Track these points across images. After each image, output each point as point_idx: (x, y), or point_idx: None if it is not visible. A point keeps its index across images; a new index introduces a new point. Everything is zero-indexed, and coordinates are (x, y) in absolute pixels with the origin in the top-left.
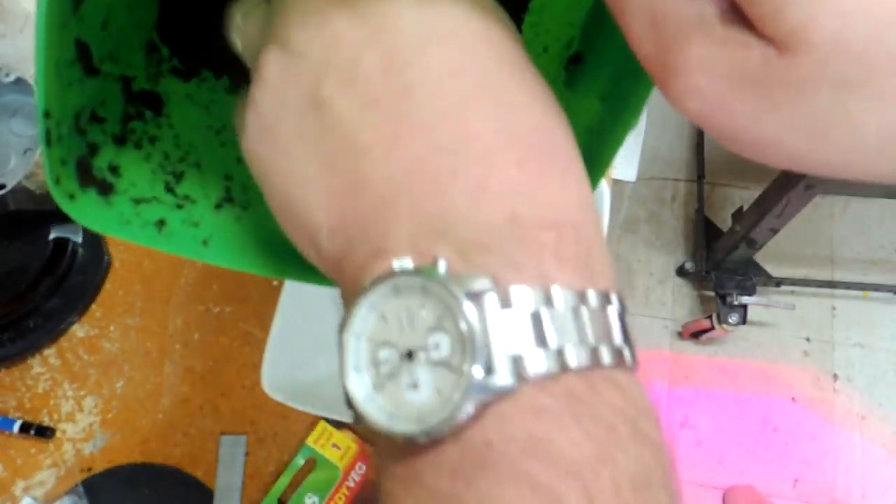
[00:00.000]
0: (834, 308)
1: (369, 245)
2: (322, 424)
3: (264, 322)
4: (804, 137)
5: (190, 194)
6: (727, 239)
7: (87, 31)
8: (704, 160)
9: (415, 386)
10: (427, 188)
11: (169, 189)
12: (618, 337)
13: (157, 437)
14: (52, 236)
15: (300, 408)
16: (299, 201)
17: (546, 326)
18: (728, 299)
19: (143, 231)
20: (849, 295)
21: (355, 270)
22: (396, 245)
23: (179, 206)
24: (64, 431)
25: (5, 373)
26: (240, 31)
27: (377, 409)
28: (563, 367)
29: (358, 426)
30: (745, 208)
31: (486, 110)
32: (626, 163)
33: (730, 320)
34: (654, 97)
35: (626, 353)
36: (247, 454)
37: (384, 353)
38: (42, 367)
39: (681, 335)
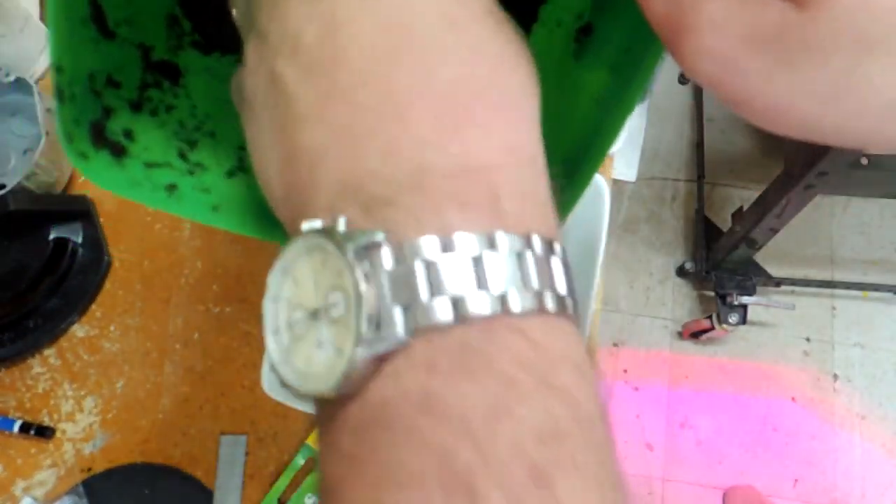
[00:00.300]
0: (834, 308)
1: (298, 210)
2: None
3: None
4: (817, 101)
5: (202, 162)
6: (727, 239)
7: None
8: (704, 160)
9: (320, 345)
10: (347, 151)
11: (182, 156)
12: (533, 280)
13: (157, 437)
14: (52, 236)
15: (300, 408)
16: (263, 171)
17: (443, 274)
18: (728, 299)
19: (154, 194)
20: (849, 295)
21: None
22: (315, 208)
23: (191, 173)
24: (64, 431)
25: (5, 373)
26: (239, 15)
27: (291, 371)
28: (461, 317)
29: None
30: (745, 208)
31: (408, 66)
32: (626, 163)
33: (730, 320)
34: (655, 98)
35: (547, 297)
36: (247, 454)
37: (296, 315)
38: (42, 367)
39: (681, 335)
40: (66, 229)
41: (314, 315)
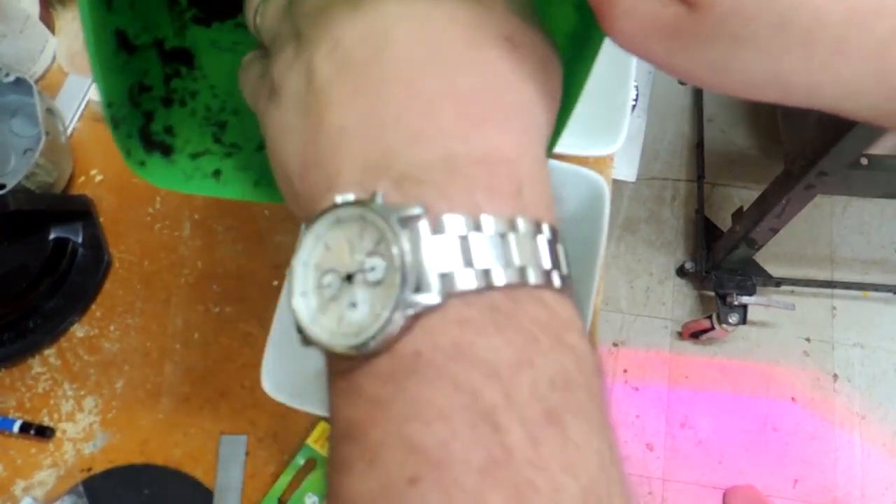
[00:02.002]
0: (834, 308)
1: (323, 184)
2: (322, 424)
3: (264, 322)
4: (709, 73)
5: (236, 141)
6: (727, 239)
7: (120, 19)
8: (704, 160)
9: (353, 305)
10: (373, 133)
11: (217, 139)
12: (546, 261)
13: (157, 437)
14: (52, 236)
15: (300, 408)
16: (281, 150)
17: (473, 248)
18: (728, 299)
19: (205, 183)
20: (849, 295)
21: (308, 204)
22: (343, 182)
23: (229, 155)
24: (64, 431)
25: (5, 373)
26: (260, 13)
27: (320, 329)
28: (489, 285)
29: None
30: (745, 208)
31: (434, 73)
32: (626, 163)
33: (730, 320)
34: (655, 98)
35: (555, 275)
36: (247, 454)
37: (328, 279)
38: (42, 367)
39: (681, 335)
40: (66, 229)
41: (348, 278)
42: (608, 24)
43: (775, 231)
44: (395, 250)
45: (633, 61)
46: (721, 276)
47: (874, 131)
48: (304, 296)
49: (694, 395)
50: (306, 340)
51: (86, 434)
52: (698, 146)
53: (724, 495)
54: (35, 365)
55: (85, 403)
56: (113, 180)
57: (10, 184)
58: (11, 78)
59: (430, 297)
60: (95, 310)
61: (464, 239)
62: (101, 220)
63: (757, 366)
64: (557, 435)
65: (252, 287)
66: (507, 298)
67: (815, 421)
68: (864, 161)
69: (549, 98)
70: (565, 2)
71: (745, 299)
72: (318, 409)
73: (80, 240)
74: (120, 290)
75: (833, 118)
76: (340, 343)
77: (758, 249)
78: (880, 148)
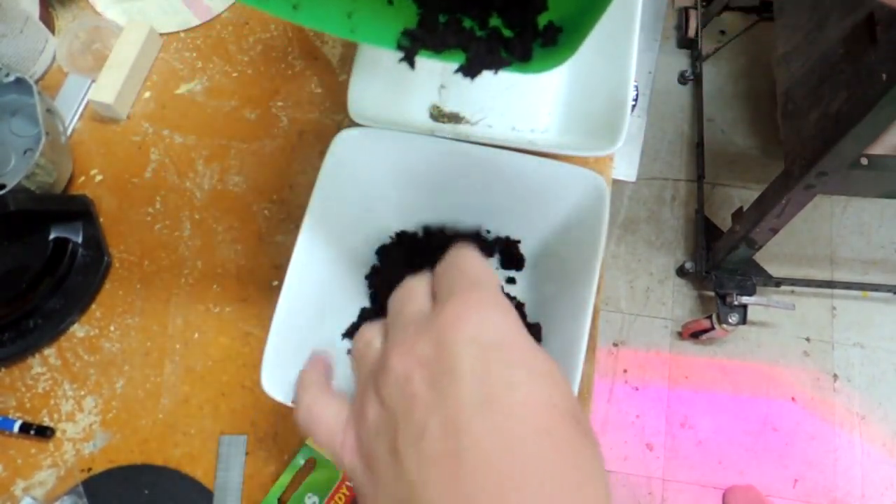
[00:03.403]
0: (834, 308)
1: None
2: None
3: (264, 322)
4: None
5: None
6: (727, 239)
7: None
8: (704, 160)
9: None
10: None
11: None
12: None
13: (157, 437)
14: (52, 236)
15: None
16: None
17: None
18: (728, 299)
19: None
20: (849, 295)
21: None
22: None
23: None
24: (64, 431)
25: (5, 373)
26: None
27: None
28: None
29: None
30: (745, 208)
31: (523, 493)
32: (626, 163)
33: (730, 320)
34: (655, 98)
35: None
36: (247, 454)
37: None
38: (42, 367)
39: (681, 335)
40: (66, 229)
41: None
42: None
43: (775, 231)
44: None
45: (633, 61)
46: (721, 276)
47: (874, 131)
48: None
49: (694, 395)
50: None
51: (86, 434)
52: (698, 146)
53: (724, 495)
54: (35, 365)
55: (85, 403)
56: (113, 180)
57: (10, 184)
58: (11, 78)
59: None
60: (95, 310)
61: None
62: (101, 220)
63: (757, 366)
64: None
65: (252, 287)
66: None
67: (815, 421)
68: (864, 161)
69: (603, 466)
70: None
71: (745, 299)
72: None
73: (80, 240)
74: (120, 290)
75: (833, 118)
76: None
77: (758, 249)
78: (880, 148)
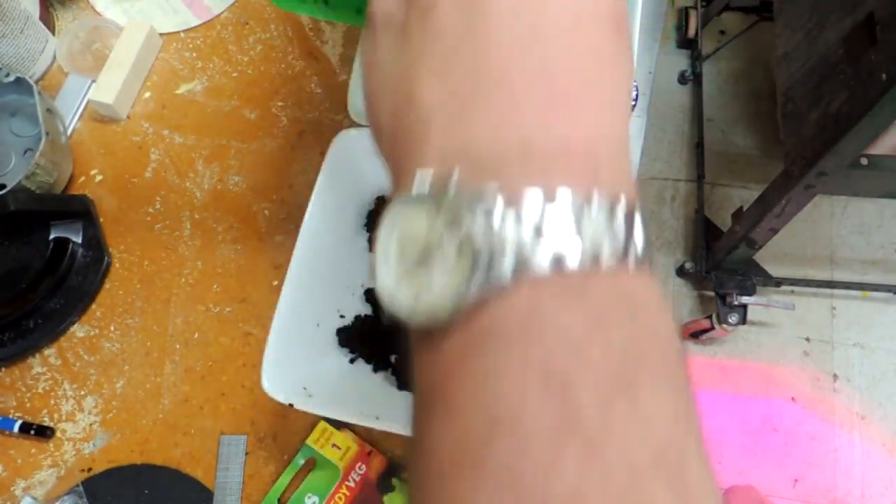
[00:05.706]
0: (834, 308)
1: (407, 155)
2: (322, 424)
3: (264, 322)
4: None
5: None
6: (727, 239)
7: None
8: (704, 160)
9: (431, 279)
10: (458, 115)
11: None
12: (620, 240)
13: (157, 437)
14: (52, 236)
15: (300, 407)
16: (375, 103)
17: (549, 227)
18: (728, 299)
19: (315, 5)
20: (848, 295)
21: (396, 172)
22: (425, 159)
23: None
24: (64, 431)
25: (5, 373)
26: None
27: (401, 300)
28: (563, 262)
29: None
30: (745, 208)
31: (527, 64)
32: None
33: (730, 320)
34: (655, 98)
35: (631, 252)
36: (247, 454)
37: (408, 251)
38: (42, 367)
39: (680, 335)
40: (66, 229)
41: (426, 252)
42: None
43: (775, 231)
44: (470, 228)
45: (633, 61)
46: (721, 276)
47: (874, 131)
48: (386, 265)
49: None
50: (388, 312)
51: (86, 434)
52: (698, 146)
53: (724, 495)
54: (35, 365)
55: (85, 403)
56: (113, 180)
57: (10, 184)
58: (11, 78)
59: (504, 274)
60: (95, 310)
61: (539, 217)
62: (101, 220)
63: (757, 366)
64: (629, 398)
65: (252, 287)
66: (581, 275)
67: (815, 421)
68: (864, 161)
69: (632, 74)
70: None
71: (744, 299)
72: (318, 410)
73: (80, 240)
74: (120, 290)
75: (833, 118)
76: (420, 314)
77: (758, 249)
78: (880, 148)
